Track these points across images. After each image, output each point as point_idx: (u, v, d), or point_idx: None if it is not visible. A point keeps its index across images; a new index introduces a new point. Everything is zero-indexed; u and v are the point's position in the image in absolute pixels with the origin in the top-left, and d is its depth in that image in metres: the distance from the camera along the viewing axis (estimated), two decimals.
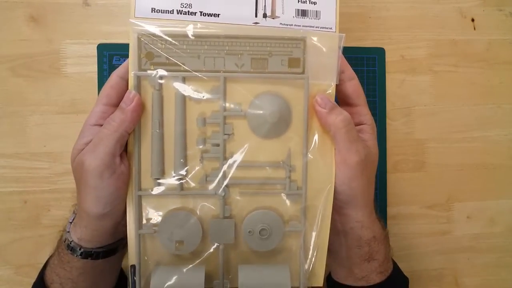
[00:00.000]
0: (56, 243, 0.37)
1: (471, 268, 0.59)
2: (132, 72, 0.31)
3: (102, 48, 0.52)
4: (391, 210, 0.57)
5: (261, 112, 0.32)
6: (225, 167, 0.32)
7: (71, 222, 0.35)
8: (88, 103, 0.52)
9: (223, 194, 0.32)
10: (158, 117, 0.31)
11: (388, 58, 0.57)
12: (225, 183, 0.32)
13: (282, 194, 0.33)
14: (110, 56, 0.52)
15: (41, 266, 0.50)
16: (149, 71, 0.31)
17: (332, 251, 0.36)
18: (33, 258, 0.51)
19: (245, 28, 0.32)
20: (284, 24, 0.33)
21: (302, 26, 0.33)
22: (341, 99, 0.36)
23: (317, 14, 0.33)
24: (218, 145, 0.32)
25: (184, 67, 0.31)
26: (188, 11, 0.32)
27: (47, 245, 0.51)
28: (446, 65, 0.58)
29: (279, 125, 0.32)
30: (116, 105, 0.32)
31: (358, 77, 0.45)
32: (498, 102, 0.60)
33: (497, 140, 0.60)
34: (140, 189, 0.32)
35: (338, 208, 0.35)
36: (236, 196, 0.33)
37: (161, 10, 0.32)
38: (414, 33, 0.58)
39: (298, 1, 0.33)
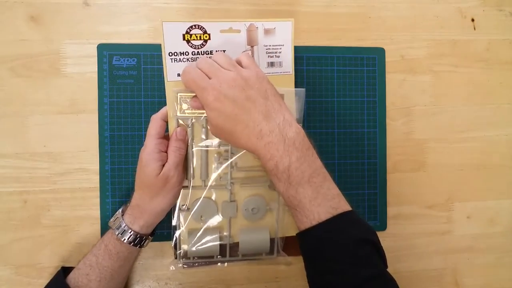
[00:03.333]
0: (101, 240, 0.46)
1: (471, 268, 0.59)
2: (174, 115, 0.46)
3: (102, 48, 0.52)
4: (391, 210, 0.57)
5: None
6: (232, 171, 0.48)
7: (122, 216, 0.46)
8: (88, 103, 0.52)
9: (229, 187, 0.48)
10: (192, 143, 0.47)
11: (388, 58, 0.57)
12: (230, 180, 0.48)
13: (266, 186, 0.50)
14: (110, 56, 0.52)
15: (41, 266, 0.51)
16: (184, 115, 0.46)
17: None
18: (33, 258, 0.51)
19: None
20: None
21: (272, 73, 0.49)
22: None
23: (280, 64, 0.49)
24: (227, 159, 0.48)
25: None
26: None
27: (47, 245, 0.51)
28: (446, 65, 0.58)
29: None
30: (163, 137, 0.46)
31: (358, 77, 0.56)
32: (498, 102, 0.60)
33: (497, 140, 0.60)
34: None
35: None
36: (238, 188, 0.49)
37: None
38: (414, 33, 0.58)
39: (268, 57, 0.49)
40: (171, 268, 0.50)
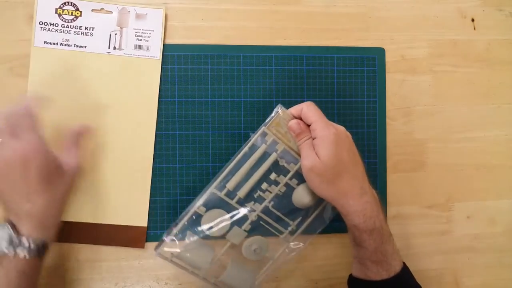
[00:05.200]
0: None
1: (471, 268, 0.59)
2: (263, 127, 0.45)
3: None
4: (391, 210, 0.57)
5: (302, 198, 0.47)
6: (267, 203, 0.48)
7: (13, 228, 0.40)
8: None
9: (254, 218, 0.47)
10: (249, 151, 0.46)
11: (388, 58, 0.57)
12: (259, 213, 0.47)
13: (280, 237, 0.49)
14: None
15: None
16: (270, 132, 0.45)
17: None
18: None
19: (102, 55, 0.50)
20: (127, 54, 0.51)
21: (138, 55, 0.51)
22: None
23: (148, 48, 0.51)
24: (271, 192, 0.47)
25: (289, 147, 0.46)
26: (67, 44, 0.50)
27: None
28: (446, 65, 0.58)
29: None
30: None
31: (358, 77, 0.56)
32: (498, 102, 0.60)
33: (497, 140, 0.60)
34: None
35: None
36: (259, 222, 0.48)
37: (50, 42, 0.50)
38: (414, 33, 0.58)
39: (136, 39, 0.51)
40: (157, 251, 0.47)
